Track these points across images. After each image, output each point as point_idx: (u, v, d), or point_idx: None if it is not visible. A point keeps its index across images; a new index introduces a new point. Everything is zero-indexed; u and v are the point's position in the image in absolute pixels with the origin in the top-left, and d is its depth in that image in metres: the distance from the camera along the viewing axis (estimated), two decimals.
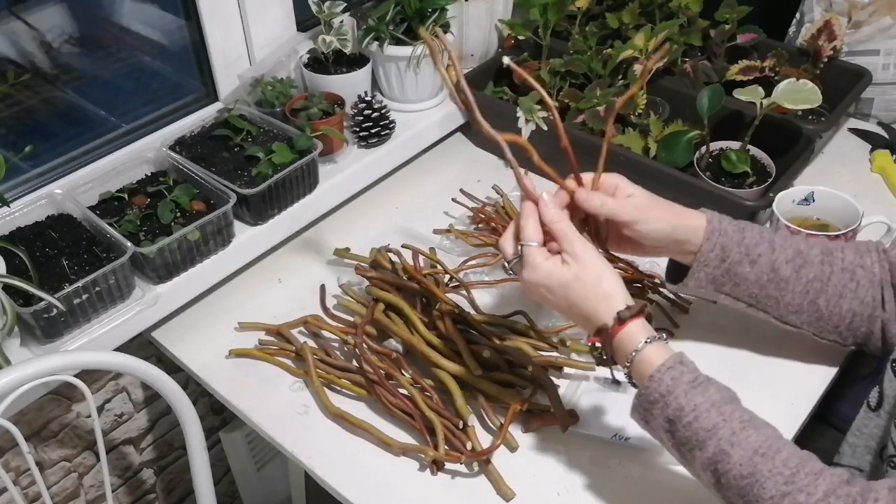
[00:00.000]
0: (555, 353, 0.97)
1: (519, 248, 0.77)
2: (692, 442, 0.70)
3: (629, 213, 0.83)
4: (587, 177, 0.83)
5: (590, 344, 0.78)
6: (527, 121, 1.20)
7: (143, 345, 1.10)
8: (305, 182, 1.12)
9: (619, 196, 0.84)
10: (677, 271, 0.91)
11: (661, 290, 1.05)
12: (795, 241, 0.89)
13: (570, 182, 0.82)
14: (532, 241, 0.76)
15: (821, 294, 0.87)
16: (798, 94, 1.08)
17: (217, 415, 1.33)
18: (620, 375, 0.78)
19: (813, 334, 0.91)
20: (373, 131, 1.20)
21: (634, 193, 0.85)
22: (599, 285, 0.75)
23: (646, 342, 0.73)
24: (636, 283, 1.06)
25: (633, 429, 0.88)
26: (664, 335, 0.76)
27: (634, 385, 0.76)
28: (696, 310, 1.04)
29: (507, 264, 0.79)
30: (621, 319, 0.74)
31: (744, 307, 0.91)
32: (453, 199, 1.22)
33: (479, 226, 1.18)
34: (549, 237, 0.77)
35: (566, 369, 0.96)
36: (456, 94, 0.75)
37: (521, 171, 0.76)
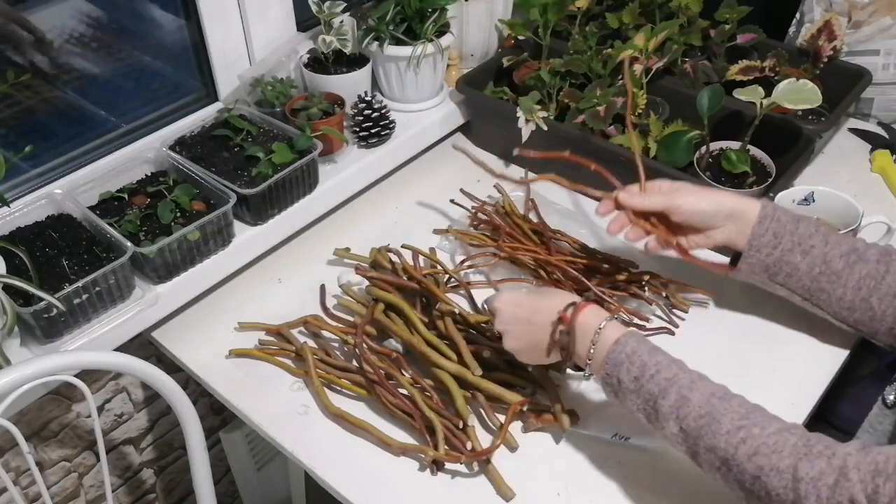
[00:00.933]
0: None
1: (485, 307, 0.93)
2: (655, 393, 0.76)
3: (671, 197, 0.91)
4: (634, 187, 0.94)
5: (557, 322, 0.83)
6: (527, 121, 1.20)
7: (143, 345, 1.10)
8: (305, 182, 1.12)
9: (663, 191, 0.93)
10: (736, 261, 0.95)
11: (661, 291, 1.05)
12: (852, 240, 0.90)
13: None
14: (492, 299, 0.91)
15: (874, 292, 0.87)
16: (798, 94, 1.08)
17: (217, 415, 1.33)
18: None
19: (868, 336, 0.91)
20: (373, 131, 1.20)
21: (679, 186, 0.93)
22: (552, 291, 0.89)
23: (607, 320, 0.81)
24: (635, 283, 1.06)
25: (633, 429, 0.88)
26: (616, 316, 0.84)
27: (582, 371, 0.83)
28: (696, 310, 1.04)
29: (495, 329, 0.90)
30: (587, 299, 0.84)
31: (799, 300, 0.93)
32: (451, 201, 1.22)
33: (479, 226, 1.17)
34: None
35: (566, 370, 0.96)
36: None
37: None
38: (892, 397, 0.83)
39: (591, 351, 0.80)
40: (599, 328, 0.80)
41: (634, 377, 0.77)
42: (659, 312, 1.04)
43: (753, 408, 0.73)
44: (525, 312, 0.86)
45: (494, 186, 1.22)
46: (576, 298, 0.85)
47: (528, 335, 0.86)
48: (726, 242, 0.92)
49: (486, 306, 0.92)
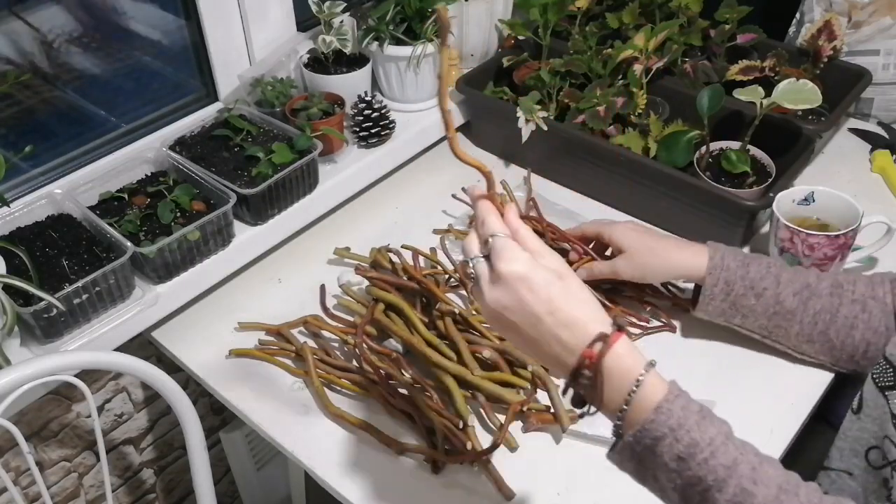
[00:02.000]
0: None
1: (488, 241, 0.64)
2: (707, 481, 0.59)
3: (625, 272, 0.97)
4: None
5: (579, 364, 0.62)
6: (527, 121, 1.20)
7: (143, 345, 1.10)
8: (305, 182, 1.12)
9: (614, 249, 0.97)
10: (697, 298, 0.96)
11: (660, 289, 1.05)
12: (804, 275, 0.91)
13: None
14: (501, 232, 0.64)
15: (830, 325, 0.89)
16: (798, 94, 1.08)
17: (217, 415, 1.33)
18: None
19: (831, 364, 0.93)
20: (373, 131, 1.20)
21: (628, 246, 0.96)
22: (582, 290, 0.64)
23: (646, 368, 0.61)
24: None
25: (589, 416, 0.88)
26: (654, 361, 0.63)
27: (582, 416, 0.65)
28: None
29: (469, 262, 0.66)
30: (619, 326, 0.62)
31: (759, 338, 0.95)
32: (453, 196, 1.22)
33: None
34: None
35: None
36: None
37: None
38: (856, 403, 0.84)
39: (624, 409, 0.61)
40: (638, 380, 0.60)
41: (678, 457, 0.59)
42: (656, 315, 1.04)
43: (821, 500, 0.60)
44: (538, 307, 0.62)
45: (501, 182, 1.22)
46: (604, 323, 0.62)
47: (519, 336, 0.64)
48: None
49: (489, 241, 0.65)
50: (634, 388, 0.60)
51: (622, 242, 0.98)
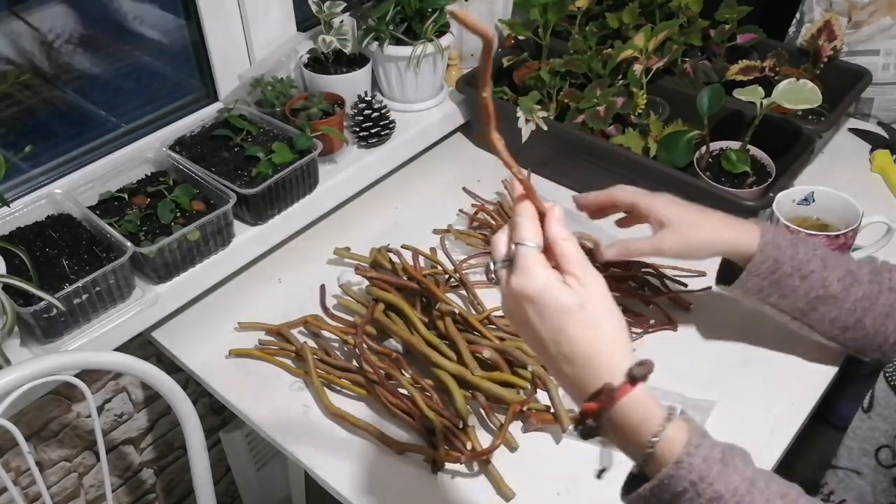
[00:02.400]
0: None
1: (512, 248, 0.59)
2: None
3: (670, 248, 0.89)
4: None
5: (582, 412, 0.58)
6: (527, 121, 1.20)
7: (143, 345, 1.10)
8: (305, 182, 1.12)
9: (653, 223, 0.89)
10: (726, 273, 0.91)
11: (660, 288, 1.05)
12: (846, 261, 0.88)
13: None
14: (530, 242, 0.58)
15: (868, 313, 0.86)
16: (798, 94, 1.08)
17: (217, 415, 1.33)
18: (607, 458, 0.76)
19: (856, 352, 0.91)
20: (373, 131, 1.20)
21: (672, 220, 0.88)
22: (607, 323, 0.58)
23: (668, 416, 0.57)
24: (631, 280, 1.06)
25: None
26: (676, 408, 0.58)
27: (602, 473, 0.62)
28: (696, 310, 1.04)
29: (492, 266, 0.61)
30: (633, 378, 0.56)
31: (788, 320, 0.91)
32: (464, 189, 1.22)
33: (479, 227, 1.18)
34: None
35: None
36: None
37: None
38: (867, 402, 0.84)
39: (643, 461, 0.58)
40: (654, 436, 0.56)
41: None
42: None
43: None
44: (543, 333, 0.58)
45: (502, 182, 1.22)
46: (615, 371, 0.57)
47: (532, 348, 0.61)
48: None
49: (511, 248, 0.59)
50: (652, 442, 0.56)
51: (665, 215, 0.89)
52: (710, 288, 1.03)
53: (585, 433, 0.59)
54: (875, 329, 0.87)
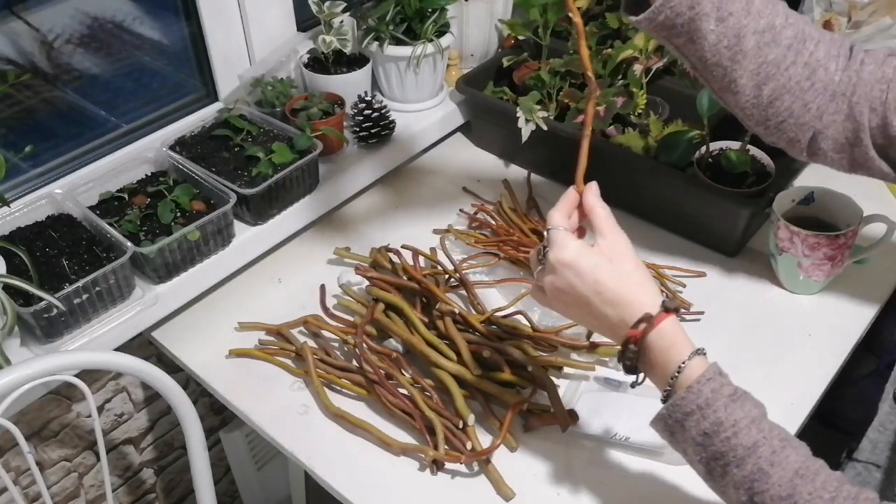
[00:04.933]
0: (555, 354, 0.97)
1: (546, 234, 0.73)
2: (728, 457, 0.65)
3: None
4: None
5: (626, 340, 0.69)
6: (527, 121, 1.20)
7: (143, 345, 1.10)
8: (305, 182, 1.12)
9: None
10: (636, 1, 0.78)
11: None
12: (773, 13, 0.76)
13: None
14: (560, 224, 0.73)
15: (769, 81, 0.76)
16: None
17: (217, 415, 1.33)
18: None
19: (738, 117, 0.82)
20: (373, 131, 1.20)
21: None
22: (636, 272, 0.70)
23: (696, 351, 0.67)
24: None
25: (633, 429, 0.88)
26: (703, 348, 0.68)
27: (633, 384, 0.72)
28: (697, 309, 1.04)
29: (542, 249, 0.74)
30: (667, 308, 0.68)
31: (688, 68, 0.81)
32: (464, 189, 1.22)
33: (479, 227, 1.18)
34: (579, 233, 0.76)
35: (566, 369, 0.96)
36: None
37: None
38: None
39: (670, 383, 0.68)
40: (683, 362, 0.67)
41: (704, 433, 0.65)
42: None
43: (838, 487, 0.62)
44: (585, 289, 0.70)
45: (502, 182, 1.22)
46: (652, 305, 0.69)
47: (576, 313, 0.73)
48: None
49: (546, 236, 0.73)
50: (680, 366, 0.66)
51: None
52: (703, 313, 1.03)
53: (629, 359, 0.69)
54: (768, 101, 0.77)
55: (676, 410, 0.66)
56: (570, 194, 0.75)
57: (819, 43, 0.76)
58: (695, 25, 0.74)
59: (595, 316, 0.71)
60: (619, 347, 0.70)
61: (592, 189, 0.75)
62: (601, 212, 0.73)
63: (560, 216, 0.74)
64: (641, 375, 0.71)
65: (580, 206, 0.75)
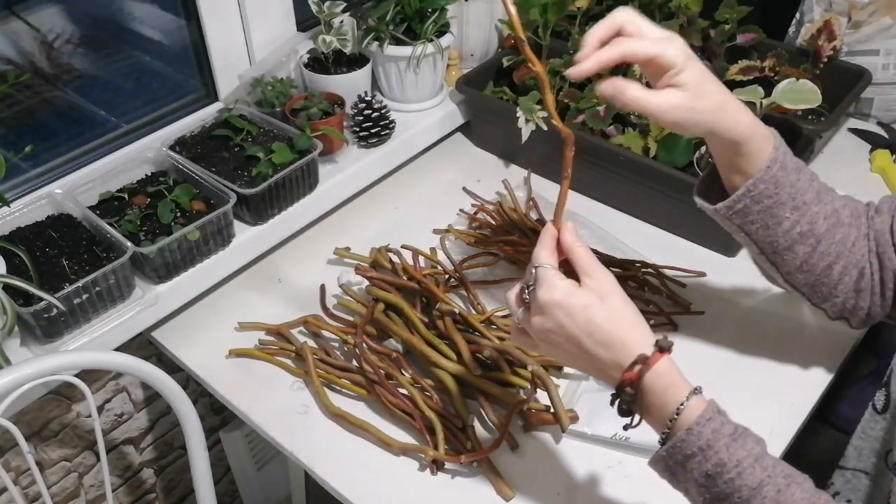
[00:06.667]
0: None
1: (533, 271, 0.69)
2: (733, 498, 0.63)
3: (670, 113, 0.71)
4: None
5: (621, 383, 0.66)
6: (527, 121, 1.20)
7: (143, 345, 1.10)
8: (305, 182, 1.12)
9: (664, 80, 0.71)
10: (708, 186, 0.80)
11: (660, 287, 1.05)
12: (833, 197, 0.80)
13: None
14: (546, 263, 0.69)
15: (840, 259, 0.79)
16: (798, 94, 1.08)
17: (217, 415, 1.33)
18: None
19: (805, 296, 0.84)
20: (373, 131, 1.20)
21: (683, 81, 0.70)
22: (625, 310, 0.67)
23: (693, 391, 0.65)
24: (630, 280, 1.06)
25: (633, 429, 0.88)
26: (699, 387, 0.66)
27: (626, 427, 0.69)
28: (697, 309, 1.04)
29: (524, 288, 0.70)
30: (661, 348, 0.65)
31: (754, 254, 0.83)
32: (464, 189, 1.22)
33: (479, 227, 1.18)
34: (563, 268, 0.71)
35: (566, 369, 0.97)
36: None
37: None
38: (881, 402, 0.83)
39: (668, 426, 0.66)
40: (682, 403, 0.64)
41: (707, 474, 0.64)
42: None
43: None
44: (576, 330, 0.66)
45: (503, 182, 1.22)
46: (645, 345, 0.66)
47: (566, 355, 0.70)
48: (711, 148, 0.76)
49: (533, 275, 0.69)
50: (679, 408, 0.64)
51: (686, 79, 0.71)
52: (703, 313, 1.03)
53: (625, 402, 0.67)
54: (839, 277, 0.80)
55: (677, 452, 0.65)
56: (551, 231, 0.71)
57: (869, 214, 0.82)
58: (772, 213, 0.77)
59: (586, 357, 0.68)
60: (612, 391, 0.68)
61: (570, 229, 0.71)
62: (582, 251, 0.69)
63: (547, 254, 0.69)
64: (637, 418, 0.68)
65: (558, 245, 0.71)
